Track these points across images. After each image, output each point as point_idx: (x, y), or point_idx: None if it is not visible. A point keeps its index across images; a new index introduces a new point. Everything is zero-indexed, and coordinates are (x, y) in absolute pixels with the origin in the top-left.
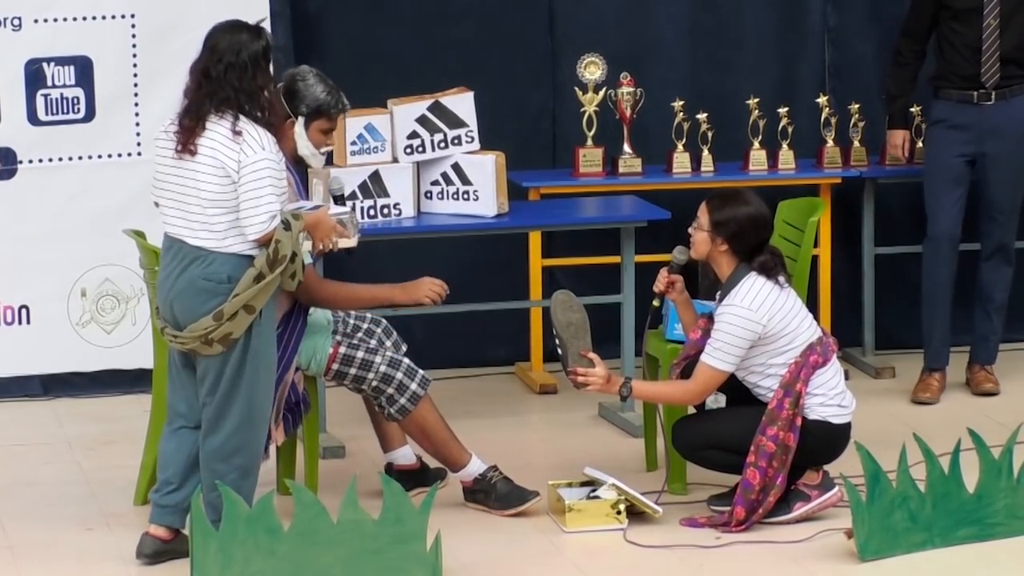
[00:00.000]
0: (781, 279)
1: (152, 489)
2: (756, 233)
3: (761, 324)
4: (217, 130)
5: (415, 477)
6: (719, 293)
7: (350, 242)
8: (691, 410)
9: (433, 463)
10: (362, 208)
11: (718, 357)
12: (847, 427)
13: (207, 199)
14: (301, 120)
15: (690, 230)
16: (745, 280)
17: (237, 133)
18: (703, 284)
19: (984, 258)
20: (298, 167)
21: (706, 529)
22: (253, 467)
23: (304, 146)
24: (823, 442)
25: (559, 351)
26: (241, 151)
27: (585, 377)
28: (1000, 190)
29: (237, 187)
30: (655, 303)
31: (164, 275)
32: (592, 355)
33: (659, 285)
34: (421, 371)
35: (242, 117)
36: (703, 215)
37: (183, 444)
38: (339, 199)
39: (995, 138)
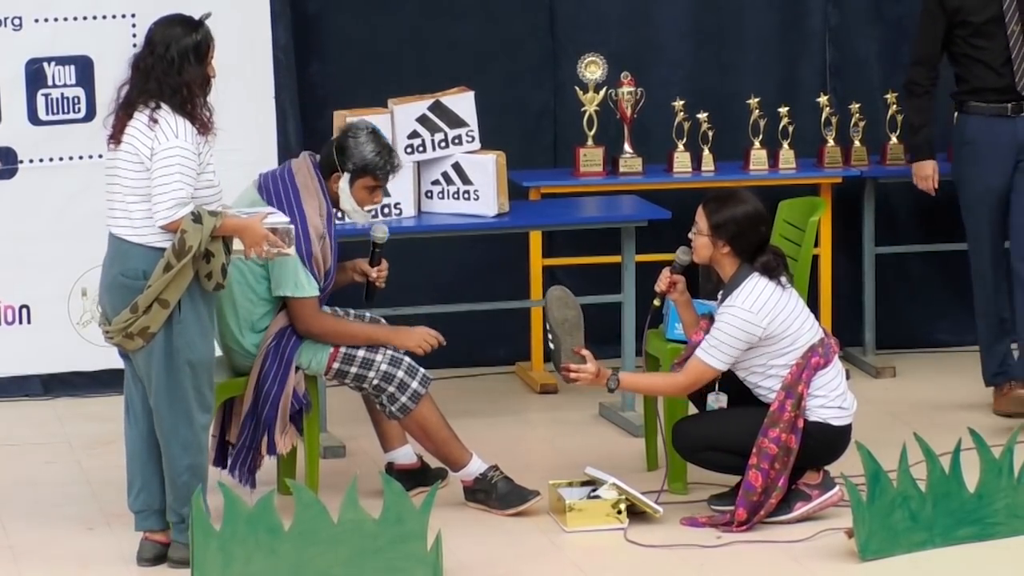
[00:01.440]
0: (783, 280)
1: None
2: (756, 231)
3: (761, 327)
4: (139, 119)
5: (416, 476)
6: (721, 293)
7: (284, 252)
8: (691, 411)
9: (434, 462)
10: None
11: (712, 355)
12: (847, 429)
13: (127, 187)
14: (347, 176)
15: (690, 235)
16: (747, 281)
17: (154, 121)
18: (704, 285)
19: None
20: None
21: (707, 529)
22: (201, 465)
23: (346, 201)
24: (823, 444)
25: (551, 346)
26: (155, 138)
27: (576, 374)
28: None
29: (150, 174)
30: (656, 303)
31: (101, 271)
32: (584, 352)
33: (661, 285)
34: (422, 369)
35: (163, 106)
36: (701, 219)
37: (136, 443)
38: (379, 248)
39: None
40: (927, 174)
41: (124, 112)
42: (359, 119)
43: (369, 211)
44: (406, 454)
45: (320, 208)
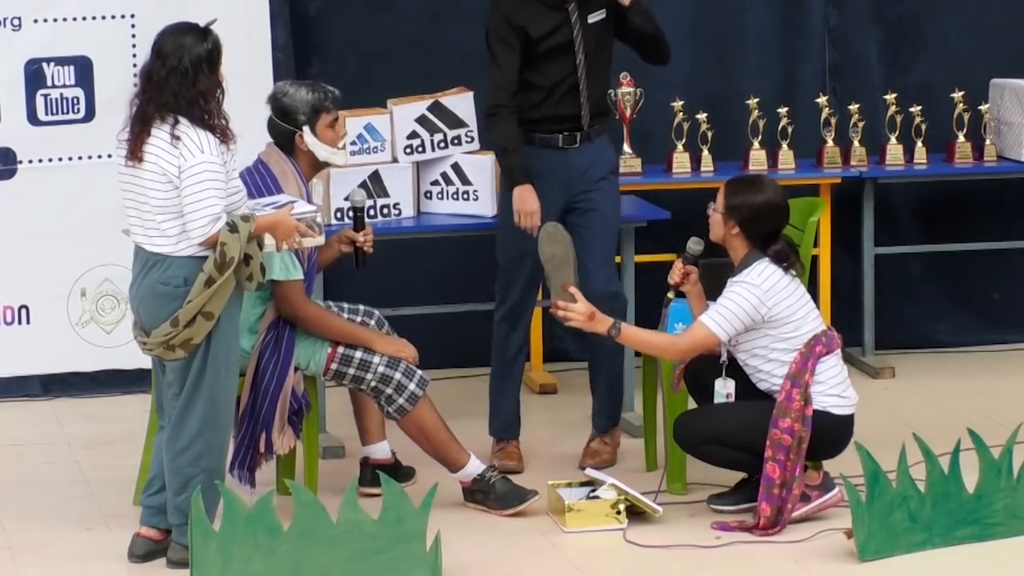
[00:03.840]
0: (792, 271)
1: (142, 489)
2: (771, 221)
3: (766, 307)
4: (160, 136)
5: (389, 473)
6: (730, 279)
7: (316, 241)
8: (691, 405)
9: (405, 460)
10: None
11: (717, 321)
12: (849, 420)
13: (156, 207)
14: (307, 129)
15: (709, 211)
16: (758, 263)
17: (176, 138)
18: (708, 285)
19: None
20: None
21: (737, 532)
22: (219, 468)
23: (322, 150)
24: (824, 434)
25: (547, 285)
26: (181, 156)
27: (565, 312)
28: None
29: (180, 192)
30: (669, 295)
31: (132, 280)
32: (573, 290)
33: (675, 276)
34: (420, 371)
35: (183, 121)
36: (720, 196)
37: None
38: (359, 212)
39: None
40: (533, 208)
41: (141, 127)
42: (273, 87)
43: (343, 147)
44: (382, 449)
45: (300, 191)
